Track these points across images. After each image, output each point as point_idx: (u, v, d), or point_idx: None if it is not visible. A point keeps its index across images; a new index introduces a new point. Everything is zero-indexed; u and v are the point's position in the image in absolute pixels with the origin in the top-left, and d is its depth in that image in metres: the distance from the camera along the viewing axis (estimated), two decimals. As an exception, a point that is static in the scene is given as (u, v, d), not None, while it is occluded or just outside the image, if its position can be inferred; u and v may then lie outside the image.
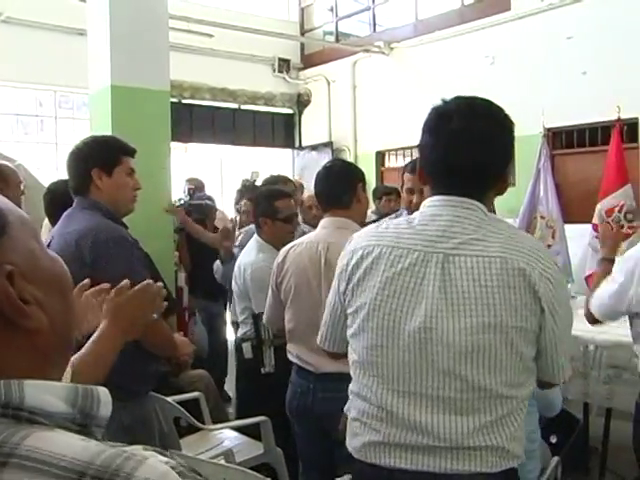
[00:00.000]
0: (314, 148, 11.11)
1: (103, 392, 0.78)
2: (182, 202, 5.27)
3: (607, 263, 2.78)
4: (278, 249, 3.55)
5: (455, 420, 1.53)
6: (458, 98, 1.65)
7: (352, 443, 1.69)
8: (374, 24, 11.00)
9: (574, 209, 6.57)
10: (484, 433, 1.53)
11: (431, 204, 1.63)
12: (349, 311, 1.68)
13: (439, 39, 9.39)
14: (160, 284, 1.80)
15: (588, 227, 5.42)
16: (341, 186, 2.75)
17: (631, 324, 2.63)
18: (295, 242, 2.88)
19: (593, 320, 2.73)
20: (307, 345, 2.61)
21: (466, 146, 1.56)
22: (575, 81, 7.62)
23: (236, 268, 3.66)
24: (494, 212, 1.83)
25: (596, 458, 4.03)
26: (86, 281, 1.83)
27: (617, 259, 2.65)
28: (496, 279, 1.49)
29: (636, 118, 7.24)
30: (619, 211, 5.63)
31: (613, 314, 2.64)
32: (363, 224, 2.53)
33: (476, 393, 1.52)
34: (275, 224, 3.57)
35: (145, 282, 1.77)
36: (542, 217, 7.02)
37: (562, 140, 8.18)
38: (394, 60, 10.14)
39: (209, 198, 6.09)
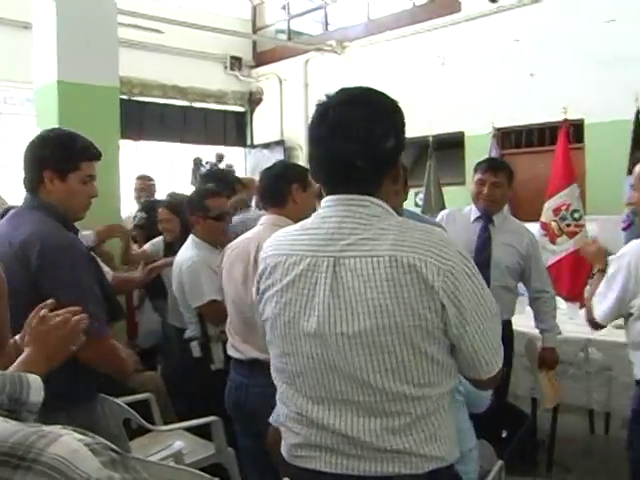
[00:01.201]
0: (266, 146, 11.07)
1: (34, 379, 0.80)
2: (136, 217, 5.14)
3: (601, 274, 2.73)
4: (214, 246, 3.59)
5: (369, 423, 1.49)
6: (339, 91, 1.61)
7: (282, 448, 1.69)
8: (326, 23, 11.02)
9: (523, 207, 6.68)
10: (400, 436, 1.49)
11: (323, 205, 1.60)
12: (262, 318, 1.68)
13: (391, 39, 9.45)
14: (83, 316, 1.75)
15: (537, 225, 5.51)
16: (276, 186, 2.80)
17: (627, 327, 2.60)
18: (238, 238, 2.92)
19: (596, 326, 2.72)
20: (242, 337, 2.74)
21: (342, 138, 1.49)
22: (523, 82, 7.75)
23: (174, 267, 3.65)
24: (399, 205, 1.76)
25: (544, 451, 4.11)
26: (49, 301, 1.77)
27: (610, 261, 2.61)
28: (386, 278, 1.43)
29: (582, 119, 7.40)
30: (566, 210, 5.74)
31: (618, 316, 2.62)
32: None
33: (383, 396, 1.48)
34: (207, 222, 3.63)
35: (67, 311, 1.72)
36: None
37: (511, 140, 8.31)
38: (346, 59, 10.17)
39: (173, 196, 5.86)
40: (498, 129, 7.89)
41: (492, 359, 1.55)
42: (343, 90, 1.62)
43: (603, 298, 2.48)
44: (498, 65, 7.98)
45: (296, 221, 2.68)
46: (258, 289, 1.68)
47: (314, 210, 3.04)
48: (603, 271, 2.69)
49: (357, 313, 1.46)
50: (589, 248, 2.94)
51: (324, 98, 1.59)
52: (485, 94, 7.64)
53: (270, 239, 1.71)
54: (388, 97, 1.61)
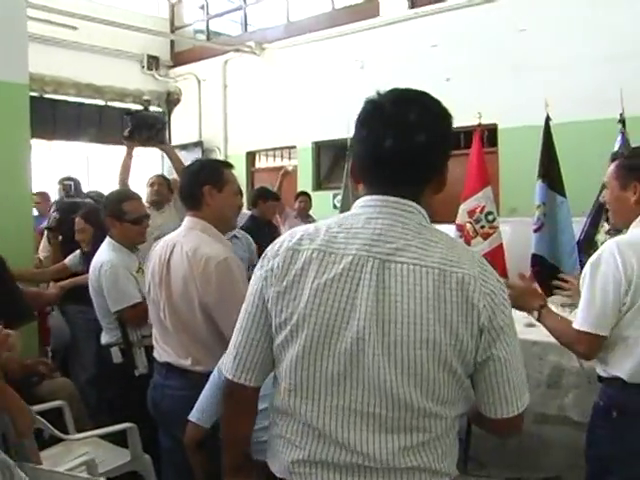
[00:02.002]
0: (184, 147, 10.92)
1: None
2: (50, 218, 4.95)
3: (547, 309, 2.53)
4: (130, 250, 3.52)
5: (385, 439, 1.42)
6: (393, 89, 1.52)
7: (274, 463, 1.55)
8: (245, 24, 10.98)
9: (439, 209, 6.72)
10: (415, 452, 1.43)
11: (365, 204, 1.50)
12: (276, 321, 1.50)
13: (310, 41, 9.49)
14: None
15: (452, 227, 5.62)
16: (190, 188, 2.68)
17: None
18: (161, 240, 2.84)
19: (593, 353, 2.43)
20: (162, 339, 2.68)
21: (397, 134, 1.43)
22: (439, 87, 7.82)
23: (91, 269, 3.55)
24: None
25: (460, 448, 4.18)
26: None
27: (591, 266, 2.33)
28: (432, 291, 1.38)
29: (495, 124, 7.62)
30: (480, 212, 5.89)
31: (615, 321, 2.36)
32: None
33: (408, 412, 1.41)
34: (123, 226, 3.55)
35: None
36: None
37: (427, 144, 8.46)
38: (265, 60, 10.15)
39: (94, 197, 5.45)
40: (415, 133, 8.02)
41: (513, 398, 1.48)
42: (396, 89, 1.52)
43: (601, 315, 2.29)
44: (415, 69, 8.11)
45: (215, 224, 2.66)
46: (274, 285, 1.50)
47: (236, 210, 3.01)
48: (544, 306, 2.52)
49: (397, 322, 1.39)
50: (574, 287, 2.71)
51: (375, 95, 1.50)
52: (403, 98, 7.74)
53: (295, 232, 1.55)
54: (439, 102, 1.54)
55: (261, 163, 10.58)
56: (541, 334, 3.51)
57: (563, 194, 6.16)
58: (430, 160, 1.47)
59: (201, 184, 2.63)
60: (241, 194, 4.13)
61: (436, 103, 1.52)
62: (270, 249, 1.56)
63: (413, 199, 1.47)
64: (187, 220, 2.69)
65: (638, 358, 2.29)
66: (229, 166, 2.84)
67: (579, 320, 2.32)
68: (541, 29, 7.27)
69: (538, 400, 3.50)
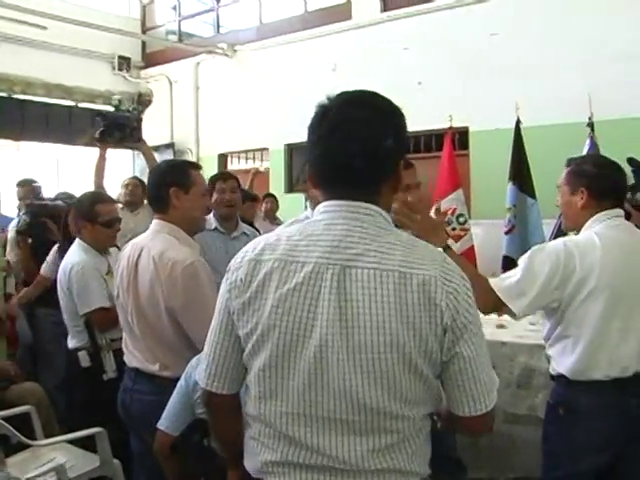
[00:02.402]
0: (155, 149, 10.75)
1: None
2: (20, 224, 4.87)
3: (451, 252, 2.45)
4: (100, 252, 3.50)
5: (354, 442, 1.43)
6: (340, 93, 1.53)
7: (249, 463, 1.57)
8: (218, 25, 10.93)
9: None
10: (384, 454, 1.44)
11: (324, 210, 1.50)
12: (243, 332, 1.51)
13: (282, 44, 9.49)
14: None
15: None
16: (156, 191, 2.66)
17: (543, 322, 2.58)
18: (129, 243, 2.80)
19: (492, 309, 2.48)
20: (131, 343, 2.67)
21: (340, 138, 1.44)
22: (411, 90, 7.94)
23: (60, 271, 3.50)
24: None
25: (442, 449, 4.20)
26: None
27: (534, 249, 2.44)
28: (393, 294, 1.38)
29: (466, 127, 7.68)
30: (452, 214, 5.94)
31: (536, 310, 2.49)
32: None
33: (376, 415, 1.42)
34: (95, 228, 3.52)
35: None
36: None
37: (399, 146, 8.50)
38: (237, 62, 10.13)
39: (64, 198, 5.34)
40: (387, 135, 8.05)
41: (481, 395, 1.49)
42: (344, 92, 1.53)
43: (521, 291, 2.37)
44: (388, 73, 8.15)
45: (182, 226, 2.65)
46: (238, 297, 1.51)
47: (204, 211, 2.99)
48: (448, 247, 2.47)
49: (359, 327, 1.39)
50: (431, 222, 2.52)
51: (324, 100, 1.51)
52: (375, 101, 7.77)
53: (257, 242, 1.56)
54: (389, 100, 1.53)
55: (233, 165, 10.54)
56: (511, 335, 3.56)
57: (533, 196, 6.25)
58: (381, 161, 1.47)
59: (167, 186, 2.61)
60: (211, 196, 4.15)
61: (385, 103, 1.52)
62: (234, 261, 1.57)
63: (370, 201, 1.47)
64: (154, 223, 2.66)
65: (579, 356, 2.37)
66: (196, 167, 2.81)
67: (500, 281, 2.41)
68: (512, 34, 7.34)
69: (509, 400, 3.54)
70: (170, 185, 2.61)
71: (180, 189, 2.62)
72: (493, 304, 2.40)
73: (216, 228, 4.11)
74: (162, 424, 2.27)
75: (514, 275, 2.40)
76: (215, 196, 4.13)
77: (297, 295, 1.44)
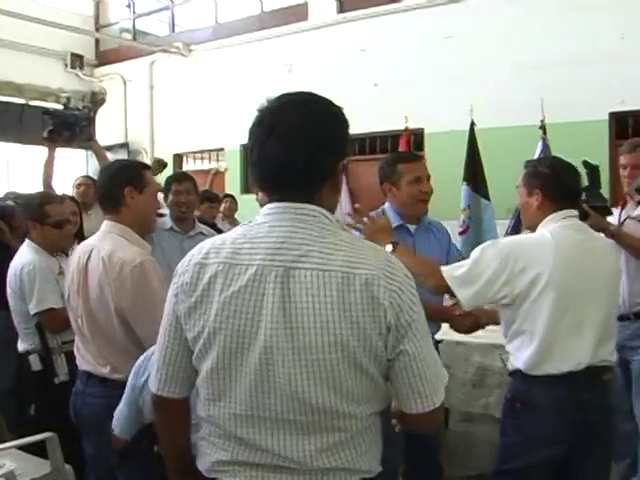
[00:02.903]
0: (109, 149, 10.63)
1: None
2: None
3: (399, 249, 2.67)
4: (50, 253, 3.44)
5: (302, 442, 1.45)
6: (280, 95, 1.54)
7: (201, 463, 1.58)
8: (173, 24, 10.83)
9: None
10: (332, 453, 1.46)
11: (267, 212, 1.51)
12: (190, 336, 1.52)
13: (238, 44, 9.45)
14: None
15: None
16: (109, 190, 2.63)
17: (501, 318, 2.61)
18: (80, 245, 2.78)
19: (441, 291, 2.60)
20: (82, 346, 2.65)
21: (277, 141, 1.45)
22: (368, 92, 7.99)
23: (10, 272, 3.43)
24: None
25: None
26: None
27: (488, 243, 2.51)
28: (336, 295, 1.39)
29: (422, 128, 7.75)
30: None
31: (481, 302, 2.55)
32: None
33: (321, 415, 1.44)
34: (44, 228, 3.46)
35: None
36: (337, 221, 7.29)
37: (355, 147, 8.54)
38: (193, 62, 10.05)
39: (13, 198, 5.04)
40: (343, 136, 8.08)
41: (427, 392, 1.50)
42: (282, 95, 1.54)
43: (468, 281, 2.44)
44: (344, 74, 8.19)
45: (134, 226, 2.63)
46: (185, 301, 1.52)
47: (156, 212, 2.98)
48: (396, 244, 2.68)
49: (304, 328, 1.40)
50: (376, 224, 2.82)
51: (263, 104, 1.52)
52: (331, 102, 7.79)
53: (203, 246, 1.55)
54: (330, 103, 1.56)
55: (189, 165, 10.45)
56: (466, 335, 3.58)
57: (487, 197, 6.35)
58: (319, 163, 1.48)
59: (122, 185, 2.60)
60: (167, 196, 4.11)
61: (322, 105, 1.54)
62: (180, 264, 1.57)
63: (313, 202, 1.49)
64: (105, 224, 2.64)
65: (533, 351, 2.44)
66: (148, 167, 2.83)
67: (449, 269, 2.50)
68: (467, 37, 7.43)
69: (464, 399, 3.58)
70: (125, 184, 2.59)
71: (135, 189, 2.61)
72: (444, 289, 2.50)
73: (172, 228, 4.10)
74: (115, 426, 2.26)
75: (464, 265, 2.47)
76: (171, 197, 4.11)
77: (242, 298, 1.44)
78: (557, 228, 2.49)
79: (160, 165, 6.48)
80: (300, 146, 1.45)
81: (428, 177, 3.19)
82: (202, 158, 10.27)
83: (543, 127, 6.35)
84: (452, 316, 2.93)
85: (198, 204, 4.43)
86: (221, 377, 1.49)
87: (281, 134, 1.45)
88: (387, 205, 3.21)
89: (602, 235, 2.85)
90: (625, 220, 3.58)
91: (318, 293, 1.40)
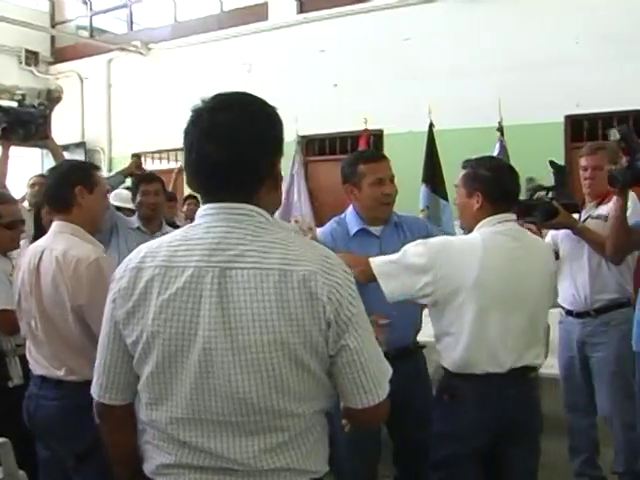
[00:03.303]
0: (65, 148, 10.39)
1: None
2: None
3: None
4: (3, 254, 3.42)
5: (246, 443, 1.44)
6: (215, 95, 1.54)
7: (146, 467, 1.57)
8: (131, 22, 10.70)
9: (326, 213, 6.87)
10: (276, 453, 1.45)
11: (203, 213, 1.51)
12: (129, 341, 1.51)
13: (198, 43, 9.38)
14: None
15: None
16: (59, 189, 2.64)
17: (431, 320, 2.64)
18: (31, 246, 2.77)
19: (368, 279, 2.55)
20: (35, 349, 2.62)
21: (212, 142, 1.44)
22: (327, 92, 8.00)
23: None
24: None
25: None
26: None
27: (419, 241, 2.53)
28: (274, 293, 1.39)
29: (381, 129, 7.78)
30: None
31: (402, 297, 2.53)
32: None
33: (264, 415, 1.43)
34: None
35: None
36: (296, 221, 7.31)
37: (315, 148, 8.56)
38: (152, 61, 9.94)
39: None
40: (302, 137, 8.08)
41: (372, 386, 1.50)
42: (217, 95, 1.54)
43: (393, 274, 2.48)
44: (303, 74, 8.19)
45: (84, 225, 2.63)
46: (122, 306, 1.51)
47: (105, 212, 2.96)
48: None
49: (242, 327, 1.39)
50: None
51: (199, 104, 1.51)
52: (290, 102, 7.75)
53: (140, 250, 1.55)
54: (264, 103, 1.55)
55: (147, 165, 10.33)
56: (424, 334, 3.60)
57: (446, 198, 6.42)
58: (253, 163, 1.48)
59: (72, 185, 2.61)
60: (135, 196, 4.09)
61: (256, 105, 1.54)
62: (118, 270, 1.56)
63: (249, 202, 1.48)
64: (55, 224, 2.64)
65: (459, 354, 2.50)
66: (97, 168, 2.87)
67: (379, 259, 2.54)
68: (426, 39, 7.50)
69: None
70: (75, 184, 2.61)
71: (85, 188, 2.63)
72: (371, 277, 2.50)
73: (139, 227, 4.12)
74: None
75: (392, 257, 2.52)
76: (139, 198, 4.14)
77: (179, 300, 1.43)
78: (490, 234, 2.52)
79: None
80: (235, 146, 1.45)
81: (392, 178, 3.06)
82: (161, 158, 10.15)
83: (500, 129, 6.44)
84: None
85: (165, 204, 4.45)
86: (162, 381, 1.47)
87: (216, 134, 1.45)
88: (350, 208, 3.11)
89: (540, 240, 2.90)
90: (586, 219, 3.68)
91: (256, 292, 1.40)
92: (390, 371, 1.58)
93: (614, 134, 2.95)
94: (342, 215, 3.11)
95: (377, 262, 2.52)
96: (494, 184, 2.56)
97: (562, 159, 6.73)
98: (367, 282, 2.42)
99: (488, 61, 7.08)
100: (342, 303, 1.43)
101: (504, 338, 2.49)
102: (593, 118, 6.84)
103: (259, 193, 1.50)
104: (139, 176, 4.54)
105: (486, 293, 2.43)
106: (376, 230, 3.02)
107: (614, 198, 3.28)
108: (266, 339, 1.39)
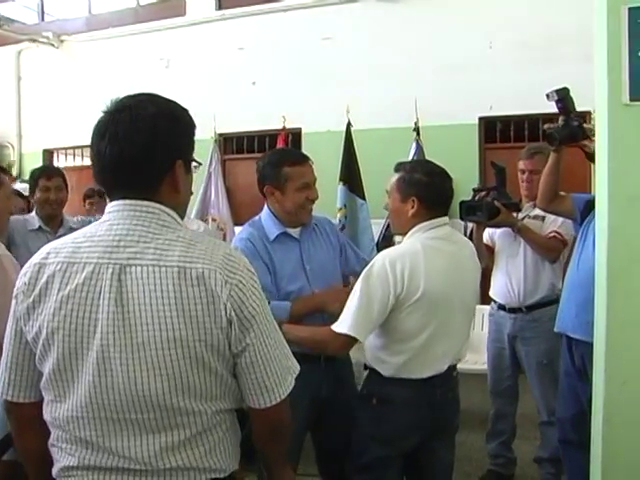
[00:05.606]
0: (-28, 143, 10.09)
1: None
2: None
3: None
4: None
5: (146, 441, 1.45)
6: (121, 98, 1.56)
7: (54, 469, 1.54)
8: (42, 12, 10.34)
9: (244, 212, 6.85)
10: (177, 452, 1.46)
11: (109, 211, 1.52)
12: (30, 337, 1.50)
13: (113, 36, 9.14)
14: None
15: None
16: None
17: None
18: None
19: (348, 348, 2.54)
20: None
21: (109, 141, 1.47)
22: (246, 90, 7.97)
23: None
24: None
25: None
26: None
27: (362, 277, 2.44)
28: (173, 290, 1.40)
29: (299, 128, 7.80)
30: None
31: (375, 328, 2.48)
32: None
33: (164, 412, 1.43)
34: None
35: None
36: (214, 219, 7.25)
37: (233, 146, 8.50)
38: (64, 53, 9.64)
39: None
40: (220, 134, 8.02)
41: (273, 385, 1.52)
42: (125, 96, 1.55)
43: (362, 323, 2.39)
44: (222, 72, 8.11)
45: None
46: (23, 302, 1.50)
47: (10, 213, 2.90)
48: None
49: (141, 324, 1.40)
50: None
51: (107, 105, 1.54)
52: (208, 99, 7.69)
53: (46, 247, 1.55)
54: (168, 102, 1.56)
55: (60, 162, 10.02)
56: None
57: (363, 197, 6.50)
58: (152, 162, 1.49)
59: None
60: (33, 193, 3.93)
61: (155, 105, 1.54)
62: (24, 267, 1.55)
63: (153, 199, 1.49)
64: None
65: (400, 361, 2.49)
66: (3, 169, 2.85)
67: (341, 323, 2.40)
68: (344, 39, 7.57)
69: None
70: None
71: None
72: (351, 343, 2.44)
73: (40, 227, 3.90)
74: None
75: (351, 309, 2.40)
76: (38, 194, 3.92)
77: (78, 296, 1.44)
78: (426, 239, 2.51)
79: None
80: (131, 145, 1.46)
81: (314, 181, 3.00)
82: (74, 154, 9.87)
83: (417, 129, 6.58)
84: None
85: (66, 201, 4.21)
86: (63, 378, 1.47)
87: (113, 134, 1.47)
88: (265, 210, 2.99)
89: (465, 239, 2.95)
90: (524, 219, 3.84)
91: (154, 289, 1.40)
92: (297, 369, 1.59)
93: (552, 95, 3.08)
94: (256, 218, 2.99)
95: (342, 326, 2.40)
96: (430, 188, 2.53)
97: (476, 159, 6.96)
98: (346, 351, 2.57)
99: (406, 62, 7.19)
100: (244, 301, 1.45)
101: (445, 342, 2.51)
102: (506, 120, 7.08)
103: (161, 191, 1.51)
104: (37, 169, 4.25)
105: (431, 300, 2.43)
106: (295, 232, 2.95)
107: (550, 154, 3.36)
108: (165, 336, 1.40)
